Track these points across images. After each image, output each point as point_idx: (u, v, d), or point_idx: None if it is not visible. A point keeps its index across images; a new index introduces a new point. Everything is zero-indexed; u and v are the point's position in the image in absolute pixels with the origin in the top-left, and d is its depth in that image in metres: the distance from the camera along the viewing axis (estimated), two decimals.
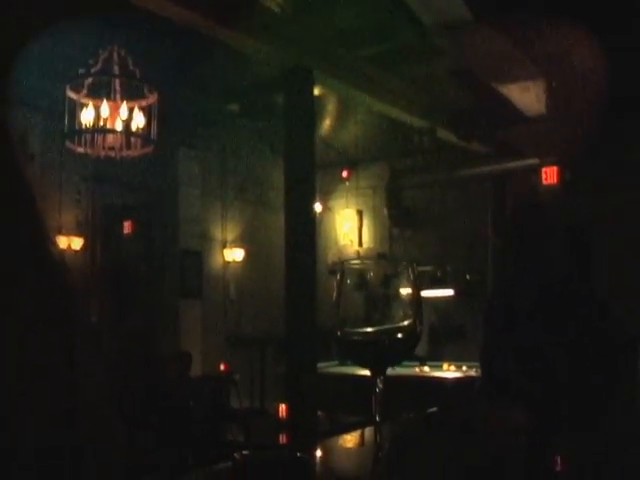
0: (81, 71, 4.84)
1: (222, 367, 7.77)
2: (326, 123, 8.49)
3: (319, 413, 5.30)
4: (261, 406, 8.26)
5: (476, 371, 5.75)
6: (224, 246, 9.05)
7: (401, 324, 0.91)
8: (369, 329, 0.91)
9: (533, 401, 2.11)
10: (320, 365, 6.10)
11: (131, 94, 4.96)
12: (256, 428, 5.12)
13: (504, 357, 2.26)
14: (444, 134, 7.61)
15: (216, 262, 8.97)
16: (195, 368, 7.50)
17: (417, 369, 6.44)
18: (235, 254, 9.03)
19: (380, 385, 0.93)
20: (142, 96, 5.00)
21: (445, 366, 6.45)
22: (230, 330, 8.83)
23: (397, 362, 0.98)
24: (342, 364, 6.78)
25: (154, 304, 8.07)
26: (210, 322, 8.54)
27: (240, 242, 9.18)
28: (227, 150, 8.99)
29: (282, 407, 4.81)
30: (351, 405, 5.70)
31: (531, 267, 2.32)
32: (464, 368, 6.15)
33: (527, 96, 6.57)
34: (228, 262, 9.02)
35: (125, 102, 4.87)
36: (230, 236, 9.13)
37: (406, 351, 0.94)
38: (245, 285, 9.19)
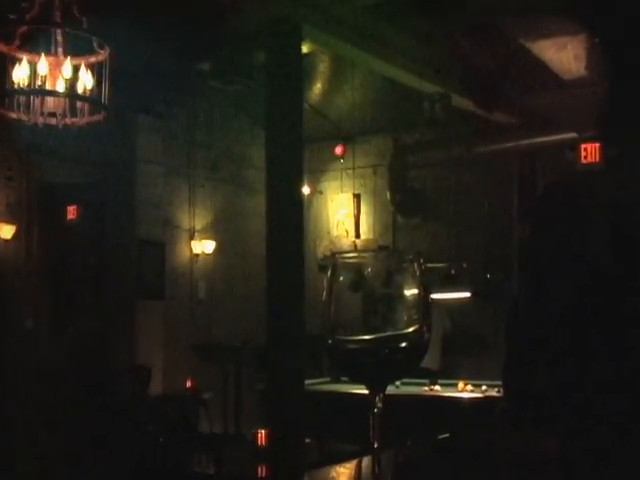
0: (12, 17, 4.79)
1: (188, 383, 7.77)
2: (317, 87, 8.48)
3: (307, 440, 5.32)
4: (236, 431, 8.27)
5: (498, 391, 5.78)
6: (192, 236, 9.04)
7: (405, 331, 0.91)
8: (366, 336, 0.91)
9: (569, 426, 2.12)
10: (309, 382, 6.12)
11: (77, 48, 4.91)
12: (230, 458, 5.13)
13: (532, 373, 2.27)
14: (460, 101, 7.62)
15: (182, 255, 8.96)
16: (155, 384, 7.50)
17: (426, 388, 6.47)
18: (205, 246, 9.02)
19: (379, 405, 0.93)
20: (90, 51, 4.97)
21: (460, 385, 6.48)
22: (198, 338, 8.84)
23: (400, 377, 0.98)
24: (335, 381, 6.80)
25: (105, 306, 8.06)
26: (174, 328, 8.54)
27: (211, 231, 9.17)
28: (196, 119, 8.97)
29: (262, 432, 4.82)
30: (345, 430, 5.72)
31: (566, 263, 2.32)
32: (483, 387, 6.18)
33: (564, 55, 6.57)
34: (196, 255, 9.01)
35: (69, 58, 4.84)
36: (199, 224, 9.12)
37: (411, 364, 0.94)
38: (217, 283, 9.19)
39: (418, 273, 0.93)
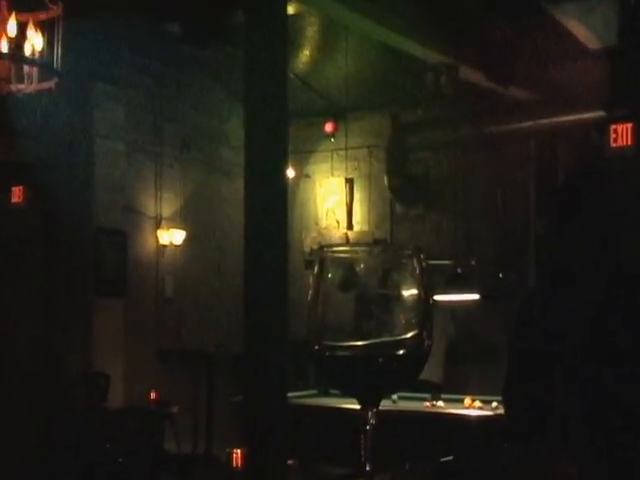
0: None
1: (153, 394, 7.77)
2: (304, 55, 8.46)
3: (289, 461, 5.32)
4: (208, 450, 8.28)
5: None
6: (158, 224, 9.02)
7: (403, 337, 0.92)
8: (358, 342, 0.92)
9: (589, 448, 2.14)
10: (292, 394, 6.13)
11: (23, 3, 4.89)
12: None
13: (545, 387, 2.28)
14: (469, 74, 7.62)
15: (147, 246, 8.94)
16: (114, 395, 7.49)
17: (428, 404, 6.49)
18: (173, 236, 9.00)
19: (372, 421, 0.94)
20: (40, 6, 4.94)
21: (467, 401, 6.50)
22: (165, 342, 8.83)
23: (397, 390, 0.99)
24: (322, 394, 6.81)
25: (56, 305, 8.04)
26: (137, 330, 8.53)
27: (181, 219, 9.15)
28: (164, 89, 8.93)
29: (237, 452, 4.83)
30: (334, 450, 5.73)
31: (590, 261, 2.34)
32: (494, 404, 6.19)
33: (591, 20, 6.58)
34: (164, 246, 9.00)
35: (14, 14, 4.81)
36: (167, 210, 9.10)
37: (409, 375, 0.95)
38: (187, 279, 9.17)
39: (418, 271, 0.93)
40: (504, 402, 2.52)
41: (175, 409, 7.77)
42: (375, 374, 0.93)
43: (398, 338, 0.92)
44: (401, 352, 0.92)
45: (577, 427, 2.18)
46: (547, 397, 2.25)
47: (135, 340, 8.45)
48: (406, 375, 0.95)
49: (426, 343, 0.93)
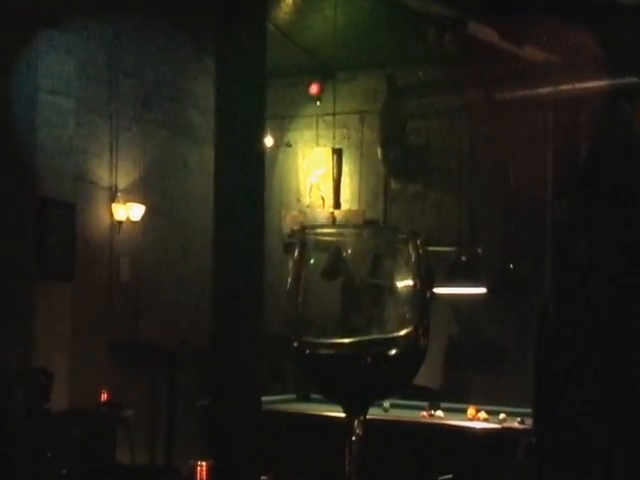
0: None
1: (104, 396, 7.77)
2: (286, 4, 8.43)
3: (263, 477, 5.34)
4: (168, 462, 8.28)
5: (521, 421, 5.83)
6: (113, 197, 8.99)
7: (395, 334, 0.92)
8: (344, 339, 0.92)
9: (617, 466, 2.16)
10: (267, 399, 6.14)
11: None
12: None
13: (571, 397, 2.30)
14: (478, 30, 7.61)
15: (99, 222, 8.91)
16: (58, 396, 7.48)
17: (425, 413, 6.52)
18: (131, 210, 8.98)
19: (358, 432, 0.94)
20: None
21: (470, 411, 6.53)
22: (119, 334, 8.82)
23: (387, 395, 0.99)
24: (302, 399, 6.83)
25: None
26: (86, 320, 8.52)
27: (140, 191, 9.12)
28: (121, 38, 8.88)
29: (202, 465, 4.84)
30: (315, 464, 5.75)
31: (617, 249, 2.36)
32: (501, 416, 6.23)
33: None
34: (119, 222, 8.97)
35: None
36: (123, 181, 9.07)
37: (402, 378, 0.95)
38: (146, 261, 9.16)
39: (415, 258, 0.93)
40: (533, 412, 2.53)
41: (130, 413, 7.77)
42: (362, 376, 0.93)
43: (390, 335, 0.92)
44: (393, 352, 0.92)
45: (608, 442, 2.20)
46: (575, 408, 2.27)
47: (84, 332, 8.44)
48: (398, 379, 0.95)
49: (422, 342, 0.93)
